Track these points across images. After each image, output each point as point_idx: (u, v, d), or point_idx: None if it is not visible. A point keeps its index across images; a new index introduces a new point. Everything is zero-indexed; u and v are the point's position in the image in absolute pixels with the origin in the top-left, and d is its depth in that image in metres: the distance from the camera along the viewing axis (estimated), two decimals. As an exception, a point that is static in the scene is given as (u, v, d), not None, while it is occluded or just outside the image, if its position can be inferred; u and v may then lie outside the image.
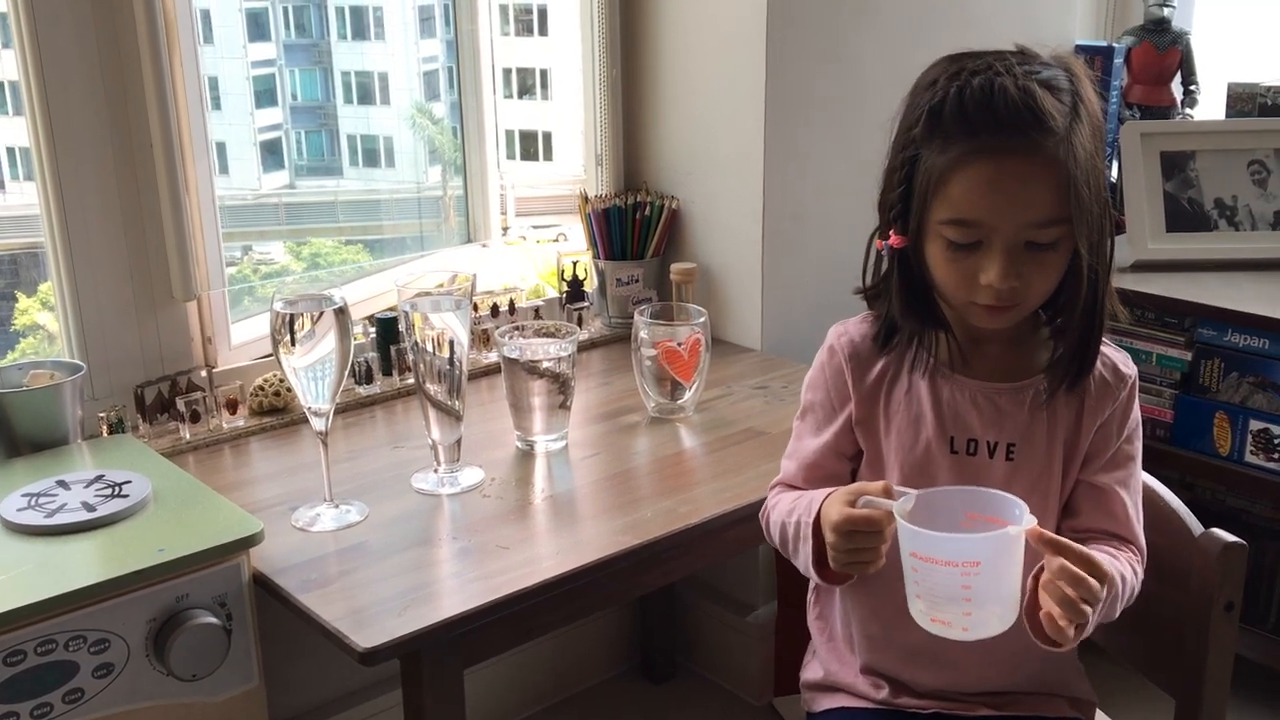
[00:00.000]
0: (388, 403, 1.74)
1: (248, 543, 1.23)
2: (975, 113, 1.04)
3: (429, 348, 1.39)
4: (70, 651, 1.13)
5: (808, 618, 1.33)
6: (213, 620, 1.19)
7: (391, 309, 1.82)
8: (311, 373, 1.30)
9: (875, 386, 1.18)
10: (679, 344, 1.62)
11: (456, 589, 1.22)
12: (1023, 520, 0.98)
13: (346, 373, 1.32)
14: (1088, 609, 0.99)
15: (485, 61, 2.07)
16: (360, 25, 3.25)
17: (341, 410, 1.69)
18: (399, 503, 1.42)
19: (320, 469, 1.39)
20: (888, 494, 1.03)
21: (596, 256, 2.01)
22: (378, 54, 3.16)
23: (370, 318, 1.81)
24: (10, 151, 1.92)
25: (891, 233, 1.11)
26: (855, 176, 1.94)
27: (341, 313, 1.30)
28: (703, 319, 1.64)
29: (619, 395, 1.76)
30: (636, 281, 2.00)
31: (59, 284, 1.56)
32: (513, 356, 1.52)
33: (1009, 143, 1.03)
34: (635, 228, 2.00)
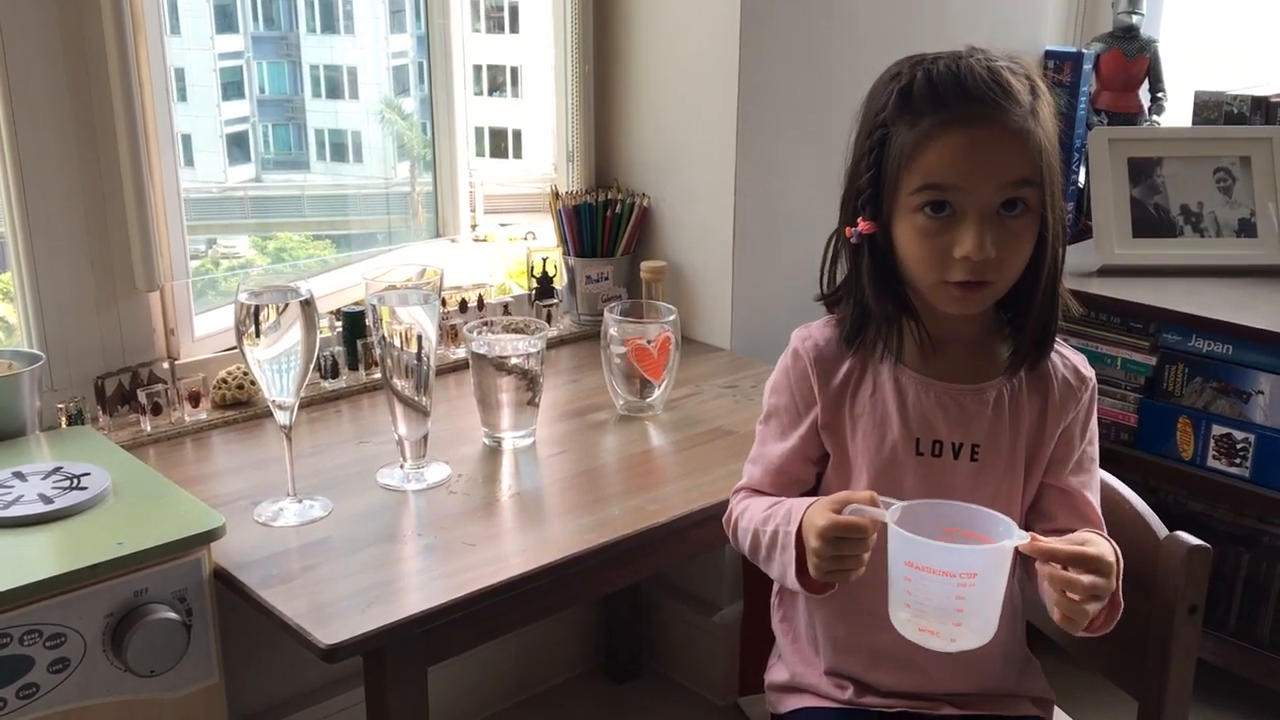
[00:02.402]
0: (353, 397, 1.73)
1: (209, 537, 1.21)
2: (944, 87, 1.06)
3: (396, 342, 1.37)
4: (25, 646, 1.11)
5: (771, 620, 1.33)
6: (172, 615, 1.18)
7: (358, 303, 1.81)
8: (276, 365, 1.28)
9: (841, 389, 1.18)
10: (649, 342, 1.61)
11: (421, 586, 1.21)
12: (1014, 534, 0.99)
13: (312, 366, 1.31)
14: (1097, 604, 1.01)
15: (457, 57, 2.05)
16: (330, 18, 3.25)
17: (306, 405, 1.67)
18: (364, 498, 1.40)
19: (284, 463, 1.37)
20: (873, 504, 1.03)
21: (567, 253, 2.00)
22: (347, 48, 3.15)
23: (336, 311, 1.79)
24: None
25: (860, 220, 1.11)
26: (826, 178, 1.93)
27: (308, 305, 1.28)
28: (673, 317, 1.64)
29: (587, 393, 1.75)
30: (606, 279, 2.00)
31: (18, 273, 1.53)
32: (481, 352, 1.51)
33: (978, 111, 1.05)
34: (606, 225, 2.00)
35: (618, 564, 1.33)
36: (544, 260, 1.97)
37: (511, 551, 1.28)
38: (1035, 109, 1.07)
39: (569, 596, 1.38)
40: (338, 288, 1.88)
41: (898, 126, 1.07)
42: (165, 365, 1.62)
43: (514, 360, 1.50)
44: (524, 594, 1.24)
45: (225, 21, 2.63)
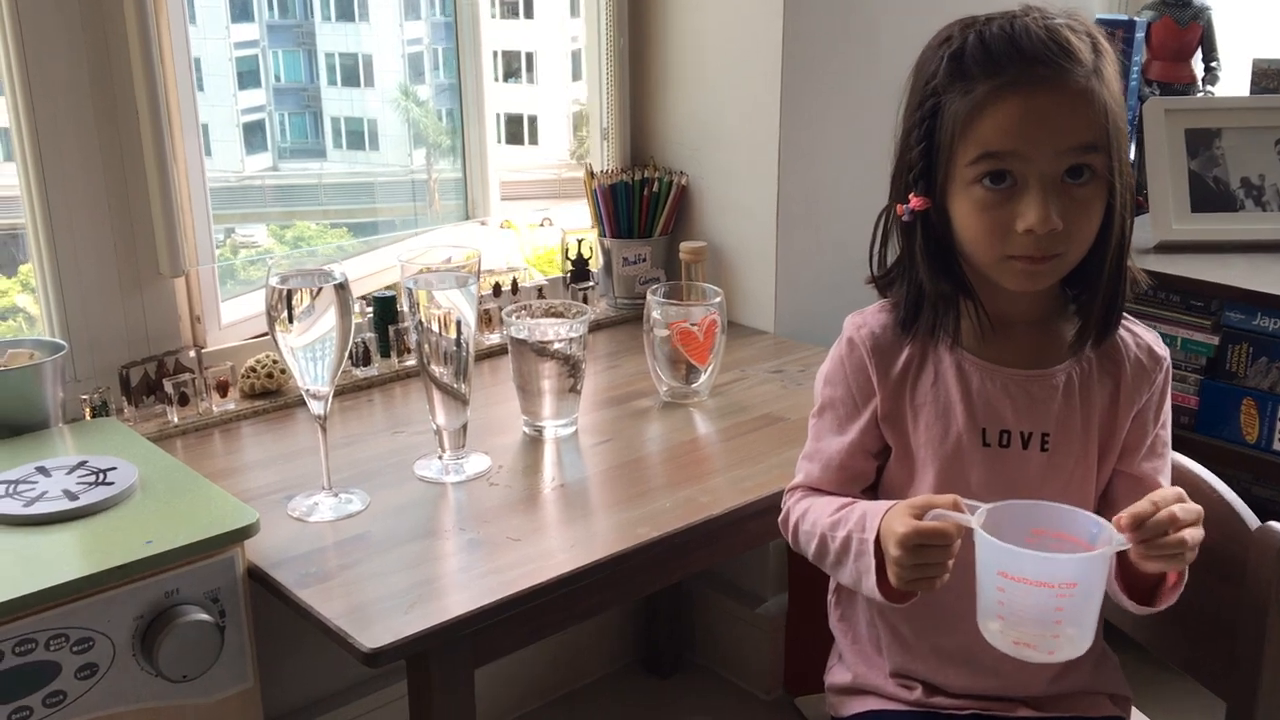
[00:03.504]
0: (385, 385, 1.66)
1: (242, 534, 1.15)
2: (999, 50, 0.99)
3: (435, 328, 1.31)
4: (51, 651, 1.05)
5: (829, 620, 1.26)
6: (204, 617, 1.12)
7: (389, 288, 1.74)
8: (310, 352, 1.22)
9: (901, 379, 1.11)
10: (694, 325, 1.54)
11: (465, 584, 1.15)
12: (1111, 537, 0.93)
13: (347, 353, 1.24)
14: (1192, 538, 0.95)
15: (485, 41, 1.99)
16: (345, 6, 3.24)
17: (337, 393, 1.61)
18: (401, 491, 1.34)
19: (316, 455, 1.31)
20: (955, 508, 0.96)
21: (602, 234, 1.93)
22: (362, 35, 3.14)
23: (366, 297, 1.73)
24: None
25: (912, 196, 1.04)
26: (872, 151, 1.86)
27: (342, 288, 1.21)
28: (718, 299, 1.57)
29: (628, 379, 1.68)
30: (644, 260, 1.93)
31: (39, 260, 1.47)
32: (521, 337, 1.45)
33: (1037, 74, 0.98)
34: (643, 205, 1.93)
35: (670, 559, 1.27)
36: (579, 242, 1.91)
37: (558, 547, 1.21)
38: (1099, 68, 1.00)
39: (620, 593, 1.32)
40: (364, 273, 1.82)
41: (950, 94, 1.00)
42: (191, 354, 1.56)
43: (556, 345, 1.43)
44: (574, 592, 1.18)
45: (241, 10, 2.61)
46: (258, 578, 1.17)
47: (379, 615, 1.09)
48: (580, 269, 1.91)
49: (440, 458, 1.39)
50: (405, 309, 1.36)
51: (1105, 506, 1.12)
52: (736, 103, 1.83)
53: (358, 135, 3.39)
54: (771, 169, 1.79)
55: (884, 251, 1.12)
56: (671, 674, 2.01)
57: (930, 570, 0.96)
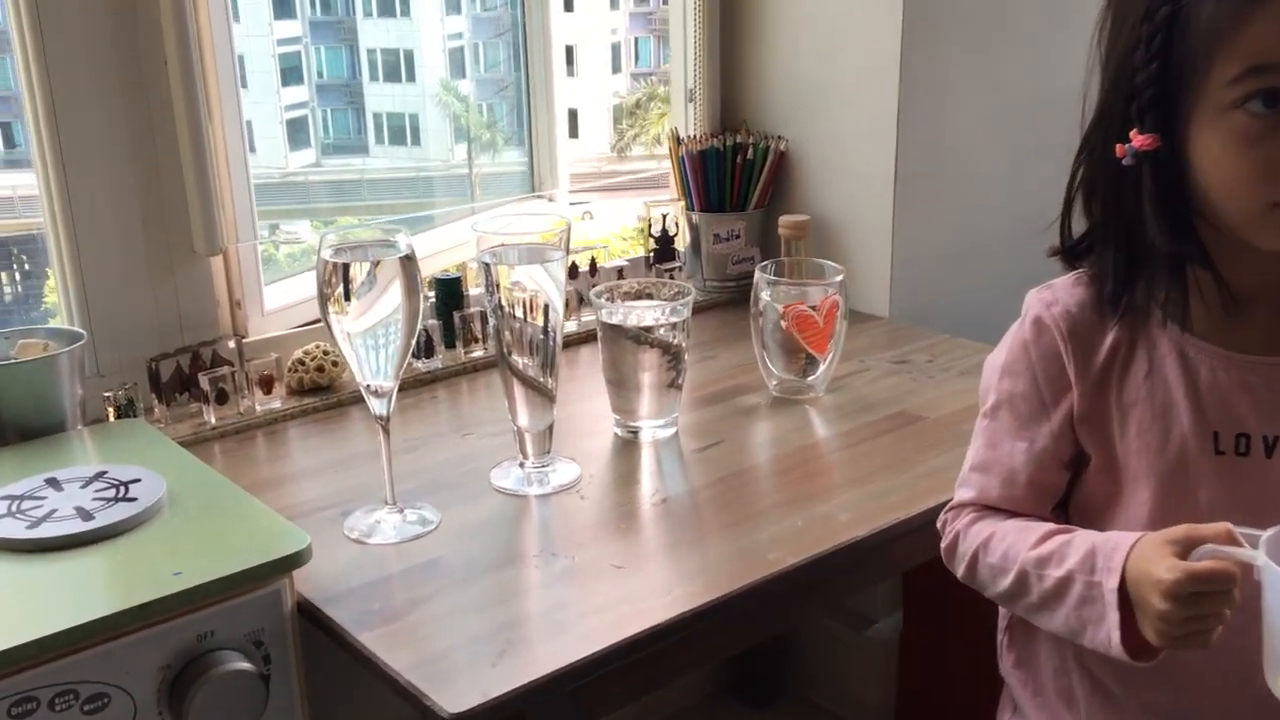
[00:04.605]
0: (450, 380, 1.45)
1: (291, 562, 0.94)
2: None
3: (518, 313, 1.09)
4: (57, 712, 0.84)
5: (1000, 663, 1.04)
6: (246, 666, 0.90)
7: (454, 269, 1.53)
8: (370, 340, 1.01)
9: (1105, 370, 0.88)
10: (812, 308, 1.31)
11: (564, 626, 0.93)
12: None
13: (414, 340, 1.03)
14: None
15: (554, 31, 1.80)
16: (387, 2, 3.25)
17: (398, 389, 1.40)
18: (476, 506, 1.13)
19: (373, 461, 1.10)
20: (1229, 539, 0.73)
21: (689, 208, 1.71)
22: (404, 31, 3.16)
23: (428, 279, 1.52)
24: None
25: (1134, 133, 0.81)
26: (1007, 107, 1.63)
27: (409, 261, 1.00)
28: (839, 277, 1.34)
29: (728, 372, 1.46)
30: (737, 237, 1.70)
31: (54, 237, 1.28)
32: (615, 322, 1.23)
33: None
34: (735, 174, 1.70)
35: (811, 590, 1.04)
36: (663, 217, 1.68)
37: (673, 576, 0.99)
38: None
39: (752, 632, 1.09)
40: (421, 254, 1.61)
41: None
42: (231, 345, 1.35)
43: (660, 331, 1.21)
44: (695, 634, 0.95)
45: (283, 7, 2.65)
46: (309, 615, 0.96)
47: (461, 667, 0.87)
48: (665, 247, 1.69)
49: (522, 465, 1.17)
50: (481, 287, 1.14)
51: None
52: (849, 54, 1.60)
53: (399, 130, 3.45)
54: (889, 128, 1.56)
55: (1067, 215, 0.90)
56: (766, 704, 1.79)
57: (1206, 623, 0.74)
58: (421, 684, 0.85)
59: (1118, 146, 0.83)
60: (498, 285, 1.10)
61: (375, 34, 3.21)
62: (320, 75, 3.27)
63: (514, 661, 0.88)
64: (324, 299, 1.00)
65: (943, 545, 0.96)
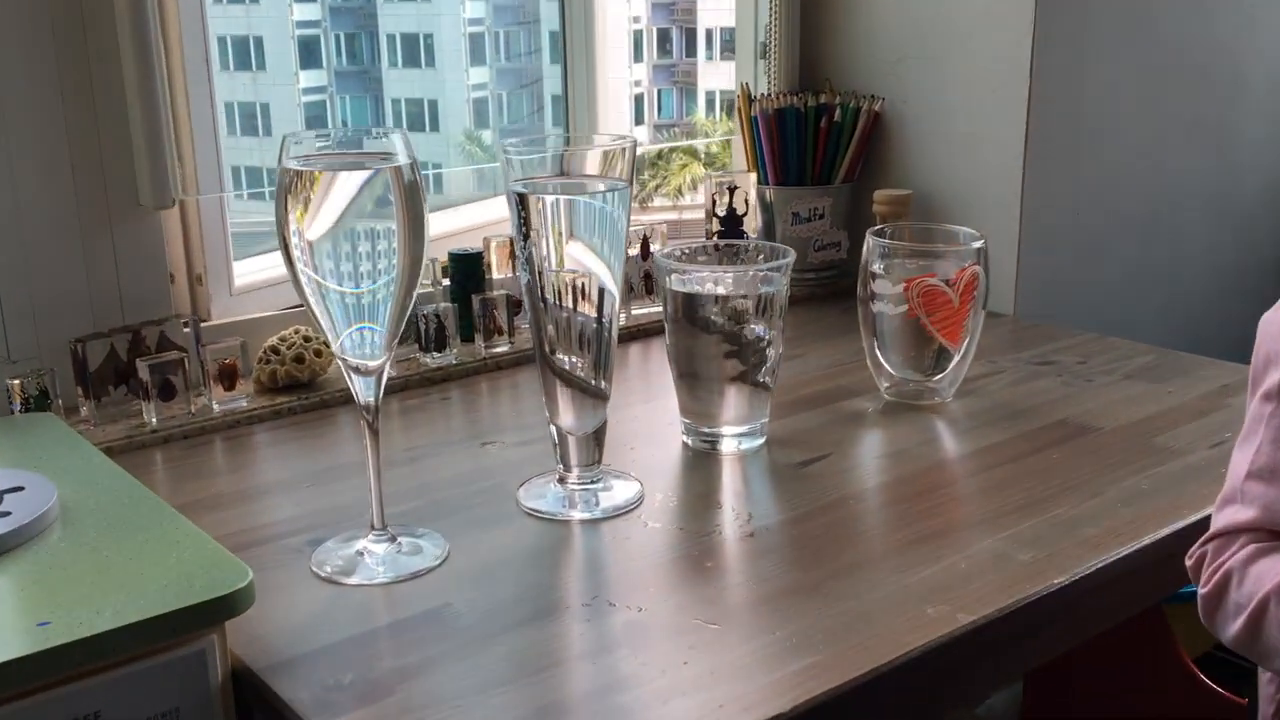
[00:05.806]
0: (467, 379, 1.14)
1: (223, 608, 0.62)
2: None
3: (568, 301, 0.78)
4: None
5: None
6: (144, 768, 0.59)
7: (467, 248, 1.23)
8: (348, 267, 0.69)
9: None
10: (947, 283, 1.00)
11: (631, 715, 0.61)
12: None
13: (416, 292, 0.72)
14: None
15: (613, 19, 1.62)
16: (412, 53, 3.41)
17: (400, 388, 1.10)
18: (498, 534, 0.81)
19: (363, 475, 0.79)
20: None
21: (762, 181, 1.41)
22: (428, 81, 3.35)
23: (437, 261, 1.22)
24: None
25: None
26: (1154, 66, 1.33)
27: (410, 177, 0.69)
28: (979, 243, 1.03)
29: (823, 371, 1.15)
30: (820, 217, 1.40)
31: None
32: (691, 291, 0.92)
33: None
34: (819, 140, 1.40)
35: (995, 655, 0.72)
36: (731, 191, 1.37)
37: (795, 638, 0.67)
38: None
39: (912, 715, 0.77)
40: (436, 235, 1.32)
41: None
42: (185, 328, 1.05)
43: (749, 306, 0.90)
44: (829, 727, 0.63)
45: (309, 58, 2.84)
46: (249, 689, 0.64)
47: (472, 781, 0.55)
48: (732, 228, 1.38)
49: (562, 481, 0.86)
50: (513, 233, 0.83)
51: None
52: (964, -10, 1.30)
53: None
54: (1019, 86, 1.26)
55: None
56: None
57: None
58: (409, 810, 0.53)
59: None
60: (527, 229, 0.78)
61: (400, 85, 3.39)
62: (344, 124, 3.40)
63: (557, 773, 0.56)
64: (282, 230, 0.69)
65: (1201, 591, 0.66)
